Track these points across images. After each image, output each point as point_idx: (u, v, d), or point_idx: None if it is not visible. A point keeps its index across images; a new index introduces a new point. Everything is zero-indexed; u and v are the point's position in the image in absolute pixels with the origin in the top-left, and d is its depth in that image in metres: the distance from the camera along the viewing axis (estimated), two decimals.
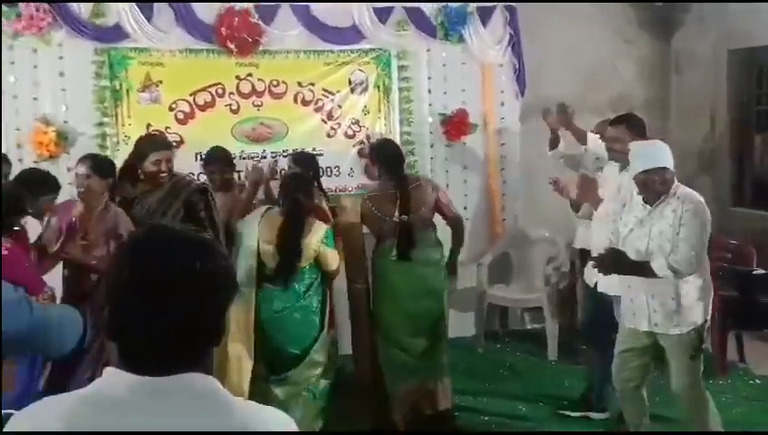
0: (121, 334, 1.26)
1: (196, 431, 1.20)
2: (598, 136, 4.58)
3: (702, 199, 3.46)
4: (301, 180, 4.08)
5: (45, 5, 4.76)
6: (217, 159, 4.67)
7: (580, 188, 4.25)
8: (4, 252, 3.02)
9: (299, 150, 5.09)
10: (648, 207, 3.47)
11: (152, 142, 4.22)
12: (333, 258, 4.03)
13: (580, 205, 4.45)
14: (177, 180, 4.03)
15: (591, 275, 4.17)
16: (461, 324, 5.79)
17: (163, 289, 1.23)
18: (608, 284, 4.00)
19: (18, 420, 1.25)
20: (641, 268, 3.43)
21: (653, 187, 3.40)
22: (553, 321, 5.48)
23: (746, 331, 5.18)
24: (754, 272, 4.97)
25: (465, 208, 5.87)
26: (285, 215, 3.92)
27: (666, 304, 3.46)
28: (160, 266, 1.24)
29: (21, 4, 4.72)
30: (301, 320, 3.96)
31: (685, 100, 6.51)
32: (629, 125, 4.00)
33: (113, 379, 1.23)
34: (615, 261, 3.51)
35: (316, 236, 3.91)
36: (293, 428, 1.32)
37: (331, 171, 5.49)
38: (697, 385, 3.57)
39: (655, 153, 3.44)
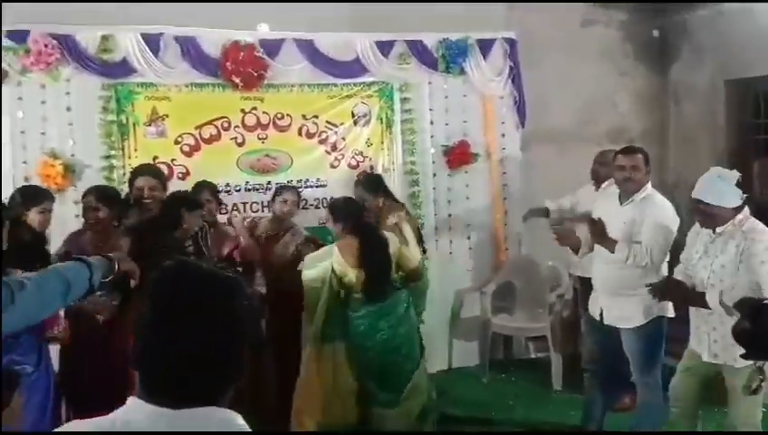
0: (145, 365, 1.29)
1: None
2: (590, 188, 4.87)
3: None
4: (354, 202, 4.44)
5: (53, 41, 4.84)
6: (217, 192, 4.76)
7: (592, 233, 4.15)
8: None
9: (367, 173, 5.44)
10: (713, 234, 3.48)
11: (138, 169, 4.54)
12: (413, 255, 4.28)
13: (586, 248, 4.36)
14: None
15: (595, 306, 4.20)
16: (465, 354, 5.82)
17: (183, 323, 1.26)
18: (614, 316, 4.04)
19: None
20: (697, 299, 3.43)
21: (708, 218, 3.44)
22: (557, 350, 5.49)
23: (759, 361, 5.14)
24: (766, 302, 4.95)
25: (469, 238, 5.94)
26: (360, 235, 4.08)
27: (727, 335, 3.34)
28: (182, 302, 1.28)
29: (29, 41, 4.80)
30: (407, 335, 4.14)
31: (683, 130, 6.59)
32: (644, 154, 4.06)
33: (135, 408, 1.27)
34: (670, 290, 3.52)
35: (392, 243, 4.15)
36: None
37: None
38: (754, 424, 3.46)
39: (723, 190, 3.43)
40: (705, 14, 6.16)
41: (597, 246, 4.14)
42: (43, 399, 3.29)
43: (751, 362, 3.32)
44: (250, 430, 1.30)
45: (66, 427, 1.36)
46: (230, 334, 1.29)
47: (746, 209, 3.47)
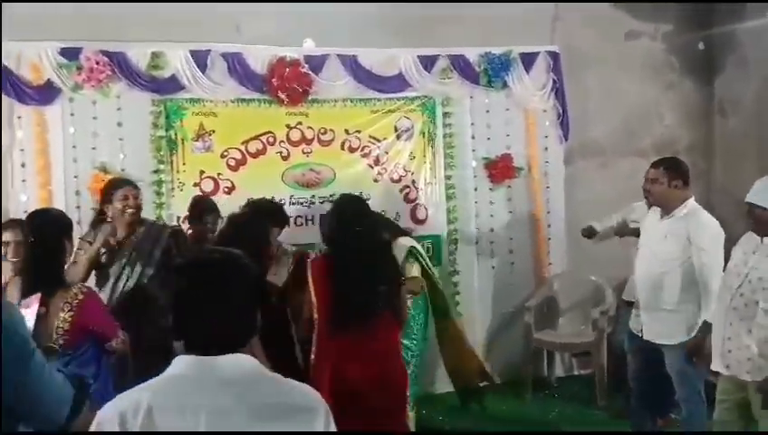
0: (185, 331, 1.67)
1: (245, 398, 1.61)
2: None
3: None
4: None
5: (105, 58, 4.96)
6: (213, 210, 4.58)
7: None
8: (81, 296, 3.00)
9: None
10: (761, 242, 3.44)
11: (114, 181, 4.35)
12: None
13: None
14: (150, 227, 4.18)
15: (637, 322, 4.16)
16: (508, 369, 5.78)
17: (213, 294, 1.66)
18: (656, 332, 4.00)
19: (111, 403, 1.62)
20: None
21: (761, 224, 3.39)
22: (601, 366, 5.43)
23: None
24: None
25: (511, 252, 5.91)
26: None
27: (742, 348, 3.39)
28: (208, 277, 1.69)
29: (81, 58, 4.92)
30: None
31: (729, 143, 6.48)
32: (667, 167, 4.02)
33: (183, 361, 1.65)
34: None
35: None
36: (324, 405, 1.67)
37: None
38: None
39: None
40: (751, 25, 6.06)
41: (638, 261, 4.15)
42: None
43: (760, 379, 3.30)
44: (268, 371, 1.71)
45: (130, 390, 1.66)
46: (248, 298, 1.70)
47: None
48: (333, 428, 1.67)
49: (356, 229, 3.71)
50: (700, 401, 3.97)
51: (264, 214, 4.28)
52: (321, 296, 3.71)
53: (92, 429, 1.60)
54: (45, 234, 3.02)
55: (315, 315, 3.71)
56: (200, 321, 1.65)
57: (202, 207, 4.59)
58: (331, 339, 3.67)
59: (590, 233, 5.13)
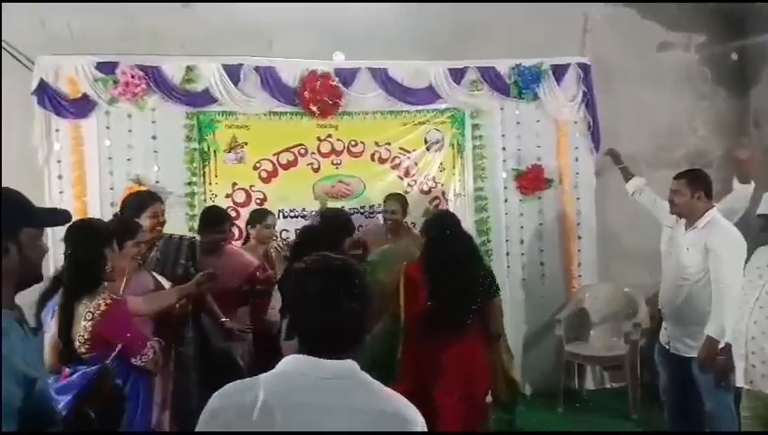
0: (301, 331, 1.79)
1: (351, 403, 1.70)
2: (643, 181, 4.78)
3: None
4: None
5: (140, 72, 5.05)
6: (227, 220, 4.55)
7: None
8: (104, 307, 2.94)
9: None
10: None
11: (144, 196, 4.15)
12: None
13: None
14: (168, 241, 4.11)
15: (665, 335, 4.12)
16: (539, 382, 5.73)
17: (328, 301, 1.75)
18: (682, 345, 3.98)
19: (224, 391, 1.74)
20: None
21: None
22: (634, 379, 5.37)
23: None
24: None
25: (542, 264, 5.88)
26: None
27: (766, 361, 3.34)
28: (326, 286, 1.77)
29: (117, 72, 5.03)
30: None
31: (764, 154, 6.39)
32: (689, 180, 4.03)
33: (296, 360, 1.76)
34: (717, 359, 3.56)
35: None
36: (421, 418, 1.72)
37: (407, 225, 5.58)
38: None
39: None
40: None
41: (664, 273, 4.13)
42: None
43: None
44: (370, 378, 1.77)
45: (241, 382, 1.76)
46: (358, 304, 1.77)
47: None
48: None
49: (457, 242, 4.00)
50: (729, 415, 3.89)
51: (337, 225, 4.31)
52: (411, 299, 3.96)
53: (204, 417, 1.70)
54: (81, 244, 2.99)
55: (402, 315, 3.98)
56: (315, 323, 1.75)
57: (214, 217, 4.53)
58: (420, 341, 3.92)
59: (616, 158, 5.16)
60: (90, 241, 3.00)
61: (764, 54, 6.24)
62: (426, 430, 1.72)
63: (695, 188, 3.98)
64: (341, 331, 1.76)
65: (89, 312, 2.93)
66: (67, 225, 2.51)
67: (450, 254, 3.91)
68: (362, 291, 1.80)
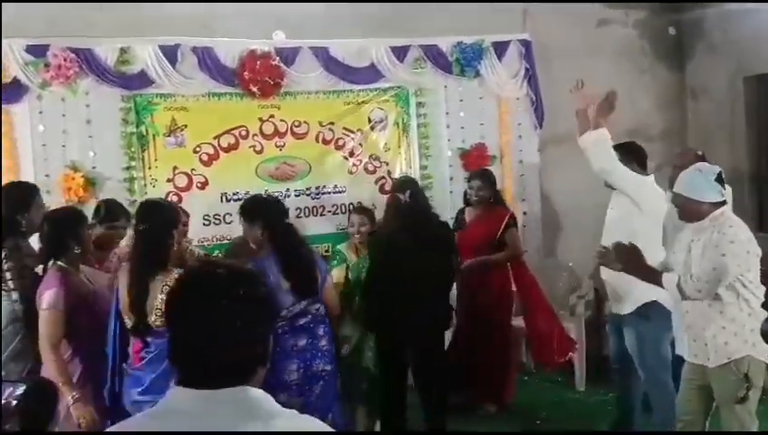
0: (181, 357, 1.42)
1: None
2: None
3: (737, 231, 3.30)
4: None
5: (72, 55, 4.89)
6: (124, 213, 4.13)
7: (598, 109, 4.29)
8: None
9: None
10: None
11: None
12: None
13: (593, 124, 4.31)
14: None
15: (621, 304, 4.19)
16: None
17: (213, 314, 1.38)
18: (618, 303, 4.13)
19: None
20: (651, 274, 3.46)
21: (685, 212, 3.42)
22: (580, 351, 5.45)
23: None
24: None
25: None
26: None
27: (704, 335, 3.36)
28: (207, 297, 1.40)
29: (48, 55, 4.86)
30: None
31: (702, 127, 6.53)
32: (623, 152, 4.20)
33: (177, 394, 1.40)
34: (620, 254, 3.48)
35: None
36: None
37: (354, 207, 5.53)
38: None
39: (693, 183, 3.37)
40: (720, 10, 6.10)
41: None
42: None
43: (723, 363, 3.30)
44: (279, 406, 1.40)
45: (118, 425, 1.52)
46: (255, 319, 1.41)
47: (726, 206, 3.39)
48: None
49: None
50: (663, 368, 4.02)
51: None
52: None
53: None
54: (153, 223, 3.24)
55: None
56: (197, 344, 1.39)
57: (111, 210, 4.09)
58: None
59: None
60: (164, 219, 3.29)
61: (700, 28, 6.36)
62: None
63: (628, 160, 4.15)
64: (230, 357, 1.38)
65: (165, 285, 3.05)
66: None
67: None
68: (254, 305, 1.42)
